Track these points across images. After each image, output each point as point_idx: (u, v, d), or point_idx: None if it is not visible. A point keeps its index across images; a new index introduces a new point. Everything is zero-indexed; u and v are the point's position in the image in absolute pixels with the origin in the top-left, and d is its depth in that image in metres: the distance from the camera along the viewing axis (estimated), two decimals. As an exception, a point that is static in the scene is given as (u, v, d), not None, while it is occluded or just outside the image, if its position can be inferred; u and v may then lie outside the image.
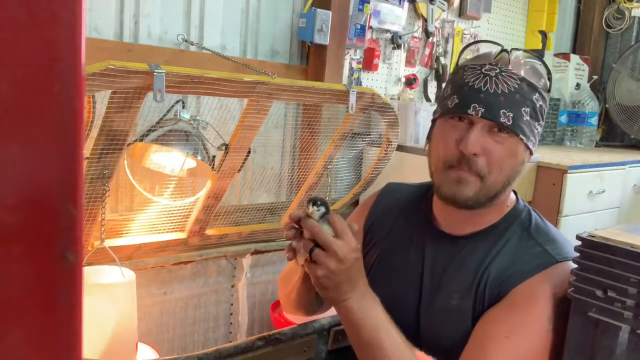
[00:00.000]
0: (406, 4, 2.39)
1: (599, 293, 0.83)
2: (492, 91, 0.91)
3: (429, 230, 1.05)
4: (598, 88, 3.49)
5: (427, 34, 2.56)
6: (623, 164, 2.71)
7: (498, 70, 0.92)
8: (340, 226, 0.85)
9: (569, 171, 2.34)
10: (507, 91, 0.91)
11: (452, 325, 0.97)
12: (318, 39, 1.98)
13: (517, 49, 0.99)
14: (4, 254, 0.26)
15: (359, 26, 2.16)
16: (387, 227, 1.12)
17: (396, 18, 2.35)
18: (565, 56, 3.40)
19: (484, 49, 1.12)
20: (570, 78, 3.37)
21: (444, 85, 1.04)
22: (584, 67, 3.44)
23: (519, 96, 0.91)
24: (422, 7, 2.50)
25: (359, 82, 2.28)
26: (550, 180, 2.38)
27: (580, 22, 3.62)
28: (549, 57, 3.38)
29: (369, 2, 2.17)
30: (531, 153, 0.97)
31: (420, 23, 2.53)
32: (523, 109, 0.92)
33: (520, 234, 0.99)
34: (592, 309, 0.84)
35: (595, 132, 3.39)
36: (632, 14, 3.41)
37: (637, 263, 0.80)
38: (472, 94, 0.92)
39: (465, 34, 2.76)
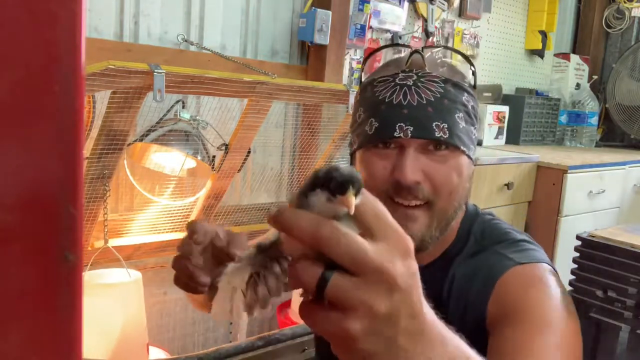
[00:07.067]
0: (406, 4, 2.39)
1: (599, 293, 0.83)
2: (415, 103, 0.75)
3: None
4: (598, 88, 3.49)
5: (427, 34, 2.55)
6: (623, 164, 2.71)
7: (415, 77, 0.76)
8: (377, 213, 0.40)
9: (569, 171, 2.34)
10: (432, 99, 0.75)
11: None
12: (318, 39, 1.98)
13: (429, 47, 0.81)
14: (4, 254, 0.26)
15: (359, 26, 2.16)
16: None
17: (396, 18, 2.35)
18: (565, 56, 3.40)
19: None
20: (570, 78, 3.37)
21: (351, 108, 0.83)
22: (584, 67, 3.45)
23: (447, 101, 0.76)
24: (422, 7, 2.50)
25: (359, 82, 2.27)
26: (550, 180, 2.38)
27: (580, 22, 3.62)
28: (549, 57, 3.39)
29: (369, 2, 2.17)
30: (474, 164, 0.82)
31: (420, 23, 2.53)
32: (456, 115, 0.76)
33: (476, 249, 0.83)
34: (592, 309, 0.84)
35: (595, 132, 3.40)
36: (632, 14, 3.41)
37: (637, 263, 0.80)
38: (393, 112, 0.75)
39: (465, 34, 2.76)
